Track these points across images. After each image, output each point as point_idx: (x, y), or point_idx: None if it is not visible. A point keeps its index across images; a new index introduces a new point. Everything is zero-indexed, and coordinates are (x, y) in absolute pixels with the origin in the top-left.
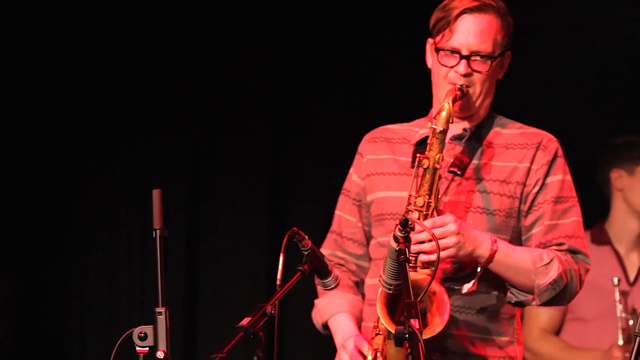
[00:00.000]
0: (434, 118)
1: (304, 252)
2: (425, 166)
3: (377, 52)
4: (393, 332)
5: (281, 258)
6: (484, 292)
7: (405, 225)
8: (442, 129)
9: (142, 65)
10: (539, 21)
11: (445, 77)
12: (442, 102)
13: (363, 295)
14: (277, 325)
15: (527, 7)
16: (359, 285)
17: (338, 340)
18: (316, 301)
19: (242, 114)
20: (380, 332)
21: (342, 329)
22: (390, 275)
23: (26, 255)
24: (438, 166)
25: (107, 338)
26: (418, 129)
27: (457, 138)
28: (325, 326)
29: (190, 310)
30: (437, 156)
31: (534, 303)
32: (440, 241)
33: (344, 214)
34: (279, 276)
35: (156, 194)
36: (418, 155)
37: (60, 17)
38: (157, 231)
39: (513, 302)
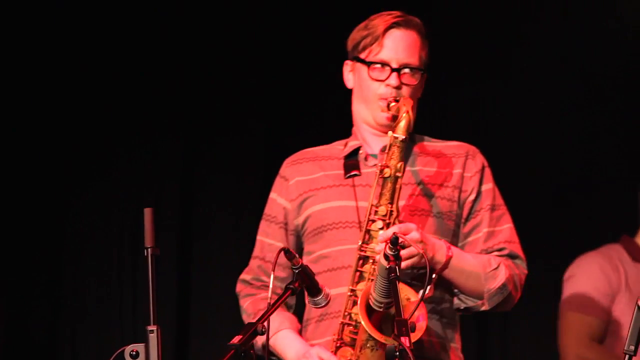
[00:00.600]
0: (394, 127)
1: (294, 270)
2: (386, 175)
3: None
4: (379, 339)
5: (272, 276)
6: (442, 298)
7: (396, 244)
8: (403, 137)
9: (125, 76)
10: (525, 28)
11: (376, 93)
12: (400, 112)
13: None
14: (267, 343)
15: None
16: (287, 307)
17: (290, 354)
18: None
19: (237, 121)
20: (344, 344)
21: (292, 345)
22: (380, 294)
23: (17, 273)
24: (399, 174)
25: (99, 356)
26: (341, 147)
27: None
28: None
29: (182, 329)
30: (398, 164)
31: (482, 308)
32: (406, 250)
33: (268, 239)
34: (269, 294)
35: (147, 212)
36: (380, 164)
37: (46, 26)
38: (149, 250)
39: (462, 308)
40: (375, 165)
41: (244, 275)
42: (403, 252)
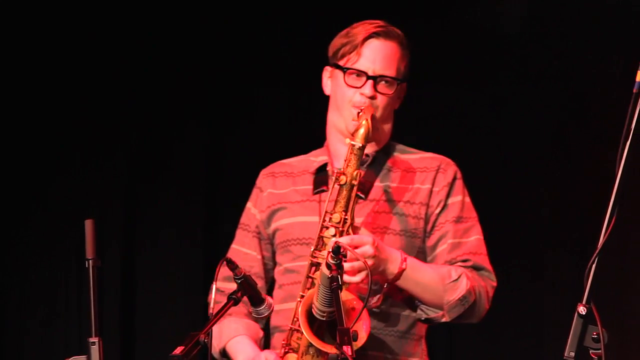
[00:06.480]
0: (352, 134)
1: (237, 280)
2: (342, 182)
3: (319, 52)
4: (318, 346)
5: (214, 287)
6: (395, 313)
7: (338, 253)
8: (360, 145)
9: (68, 89)
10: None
11: (350, 100)
12: (360, 120)
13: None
14: (210, 354)
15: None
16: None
17: (240, 359)
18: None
19: (179, 135)
20: (291, 350)
21: (244, 350)
22: (323, 303)
23: None
24: (355, 182)
25: None
26: (315, 158)
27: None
28: (223, 352)
29: (127, 340)
30: (355, 172)
31: (443, 319)
32: (356, 263)
33: (243, 248)
34: (211, 305)
35: (88, 224)
36: (336, 171)
37: None
38: (90, 261)
39: (423, 319)
40: None
41: (216, 282)
42: (347, 266)
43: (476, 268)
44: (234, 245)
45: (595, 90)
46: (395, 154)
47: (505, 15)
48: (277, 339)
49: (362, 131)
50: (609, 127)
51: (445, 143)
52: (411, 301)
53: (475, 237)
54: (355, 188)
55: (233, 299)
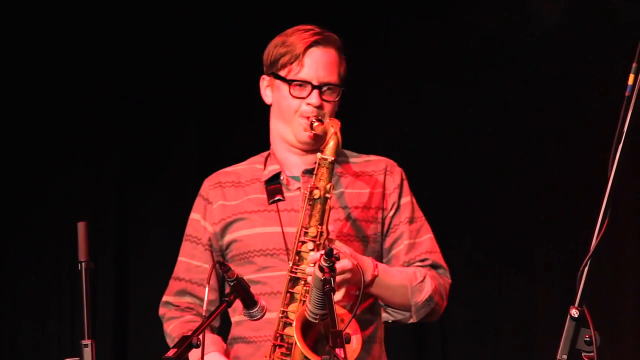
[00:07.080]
0: (322, 148)
1: (229, 283)
2: (316, 196)
3: None
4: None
5: (207, 289)
6: (359, 319)
7: (330, 255)
8: (332, 159)
9: (60, 92)
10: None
11: (296, 110)
12: (329, 133)
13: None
14: (202, 356)
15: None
16: (212, 329)
17: None
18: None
19: (172, 138)
20: None
21: None
22: (316, 305)
23: None
24: (329, 195)
25: None
26: (261, 166)
27: (309, 172)
28: None
29: (119, 343)
30: (328, 186)
31: (410, 321)
32: (339, 264)
33: (193, 261)
34: (204, 307)
35: (81, 226)
36: (309, 185)
37: None
38: (83, 264)
39: (390, 321)
40: (298, 188)
41: (166, 298)
42: (337, 265)
43: (434, 266)
44: (182, 258)
45: (592, 92)
46: (341, 158)
47: (505, 17)
48: (240, 349)
49: (331, 144)
50: (603, 129)
51: (442, 143)
52: (373, 306)
53: (427, 237)
54: (329, 201)
55: (226, 302)
